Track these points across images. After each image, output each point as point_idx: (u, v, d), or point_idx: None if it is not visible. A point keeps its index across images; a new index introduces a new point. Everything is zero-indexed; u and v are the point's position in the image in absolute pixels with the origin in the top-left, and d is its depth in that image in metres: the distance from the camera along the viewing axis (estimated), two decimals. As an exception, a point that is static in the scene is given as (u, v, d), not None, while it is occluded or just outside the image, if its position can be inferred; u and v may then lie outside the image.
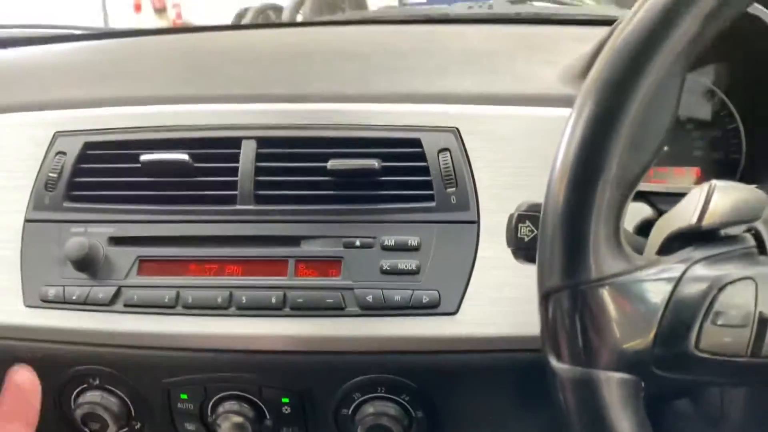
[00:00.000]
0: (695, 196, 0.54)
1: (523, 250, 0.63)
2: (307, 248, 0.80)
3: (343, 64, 0.95)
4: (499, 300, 0.75)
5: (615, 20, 1.33)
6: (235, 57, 1.01)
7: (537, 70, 0.89)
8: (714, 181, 0.53)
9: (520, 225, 0.63)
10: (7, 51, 1.23)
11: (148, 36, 1.36)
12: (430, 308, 0.75)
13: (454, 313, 0.75)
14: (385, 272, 0.77)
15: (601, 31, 1.13)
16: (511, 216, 0.64)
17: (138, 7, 9.65)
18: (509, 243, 0.64)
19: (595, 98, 0.51)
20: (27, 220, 0.84)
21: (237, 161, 0.82)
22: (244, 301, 0.77)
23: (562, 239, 0.51)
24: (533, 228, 0.63)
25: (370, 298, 0.76)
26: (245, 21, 2.26)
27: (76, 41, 1.38)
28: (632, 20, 0.50)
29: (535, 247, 0.62)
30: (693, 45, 0.50)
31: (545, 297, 0.52)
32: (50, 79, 0.99)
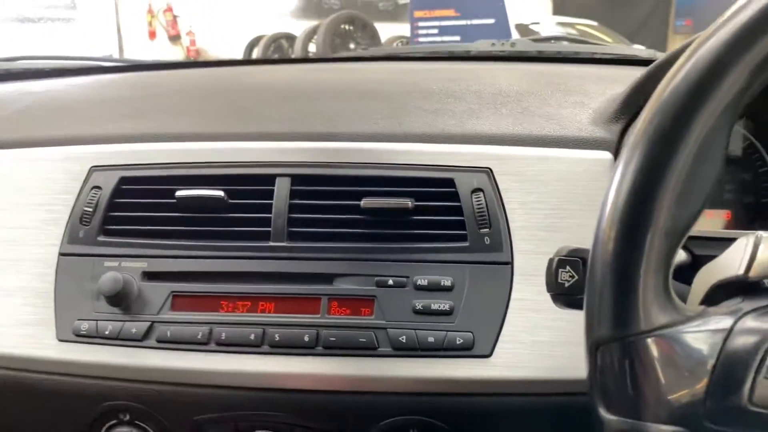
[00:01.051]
0: (741, 247, 0.54)
1: (564, 296, 0.63)
2: (340, 286, 0.80)
3: (373, 104, 0.96)
4: (534, 343, 0.75)
5: (640, 60, 1.35)
6: (268, 94, 1.03)
7: (568, 111, 0.90)
8: (760, 233, 0.53)
9: (560, 270, 0.63)
10: (37, 83, 1.26)
11: (175, 69, 1.39)
12: (463, 350, 0.75)
13: (488, 356, 0.75)
14: (418, 312, 0.77)
15: (628, 72, 1.15)
16: (551, 260, 0.64)
17: (152, 35, 9.82)
18: (549, 288, 0.64)
19: (644, 149, 0.51)
20: (62, 254, 0.85)
21: (271, 198, 0.83)
22: (277, 339, 0.77)
23: (612, 290, 0.50)
24: (573, 273, 0.63)
25: (403, 339, 0.76)
26: (258, 49, 2.31)
27: (104, 73, 1.41)
28: (680, 70, 0.50)
29: (576, 293, 0.62)
30: (741, 96, 0.50)
31: (594, 347, 0.52)
32: (84, 113, 1.01)
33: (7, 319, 0.84)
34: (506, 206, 0.80)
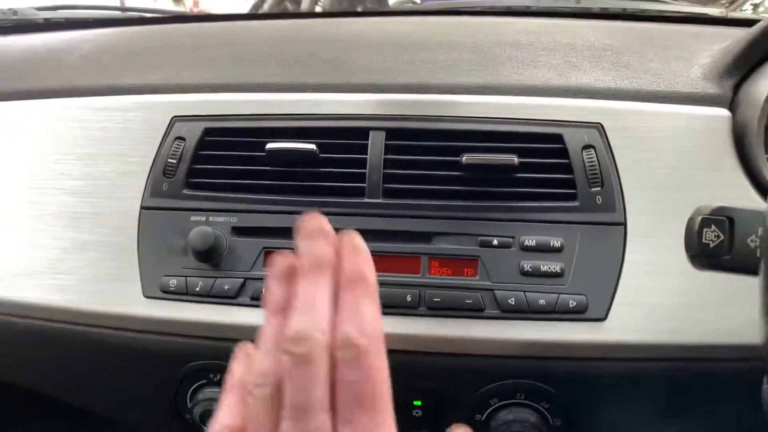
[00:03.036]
0: None
1: (707, 257, 0.59)
2: (440, 245, 0.76)
3: (464, 55, 0.91)
4: (651, 306, 0.72)
5: (712, 18, 1.29)
6: (344, 44, 0.97)
7: (674, 66, 0.85)
8: None
9: (705, 229, 0.59)
10: (87, 32, 1.20)
11: (221, 21, 1.33)
12: (577, 313, 0.72)
13: (602, 319, 0.72)
14: (525, 274, 0.74)
15: (714, 30, 1.10)
16: (692, 219, 0.60)
17: (155, -6, 9.66)
18: (690, 248, 0.60)
19: None
20: (144, 207, 0.81)
21: (365, 153, 0.79)
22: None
23: None
24: (719, 233, 0.59)
25: (512, 301, 0.73)
26: (265, 6, 2.23)
27: (150, 24, 1.35)
28: None
29: (722, 254, 0.59)
30: None
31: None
32: (155, 61, 0.96)
33: (86, 274, 0.80)
34: (618, 164, 0.76)
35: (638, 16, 1.37)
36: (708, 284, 0.69)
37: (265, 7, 2.24)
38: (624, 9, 1.43)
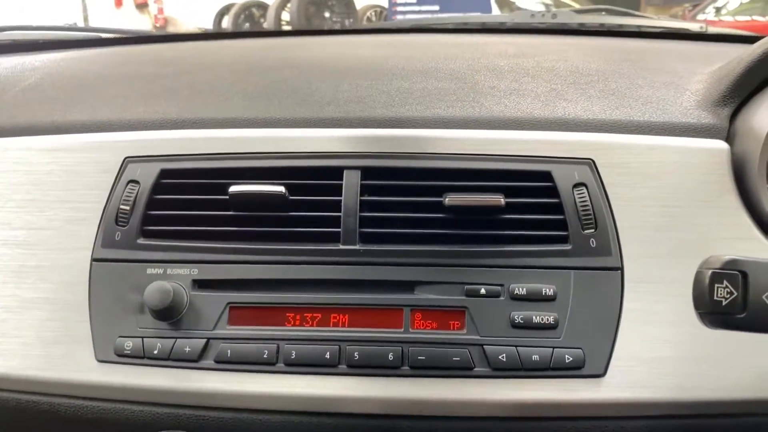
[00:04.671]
0: None
1: (720, 315, 0.54)
2: (424, 296, 0.70)
3: (442, 84, 0.85)
4: (653, 360, 0.66)
5: (692, 34, 1.25)
6: (314, 72, 0.91)
7: (665, 93, 0.81)
8: None
9: (716, 285, 0.54)
10: (35, 57, 1.12)
11: (184, 42, 1.26)
12: (573, 369, 0.66)
13: (601, 375, 0.66)
14: (517, 326, 0.68)
15: (698, 47, 1.06)
16: (700, 273, 0.55)
17: (119, 2, 9.42)
18: (699, 305, 0.55)
19: None
20: (95, 260, 0.73)
21: (339, 194, 0.72)
22: (356, 358, 0.67)
23: None
24: (732, 289, 0.54)
25: (503, 357, 0.67)
26: (228, 18, 2.17)
27: (106, 46, 1.27)
28: None
29: (736, 313, 0.53)
30: None
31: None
32: (107, 93, 0.88)
33: (30, 337, 0.72)
34: (612, 203, 0.70)
35: (616, 31, 1.34)
36: (714, 335, 0.64)
37: (226, 22, 2.16)
38: (602, 24, 1.39)
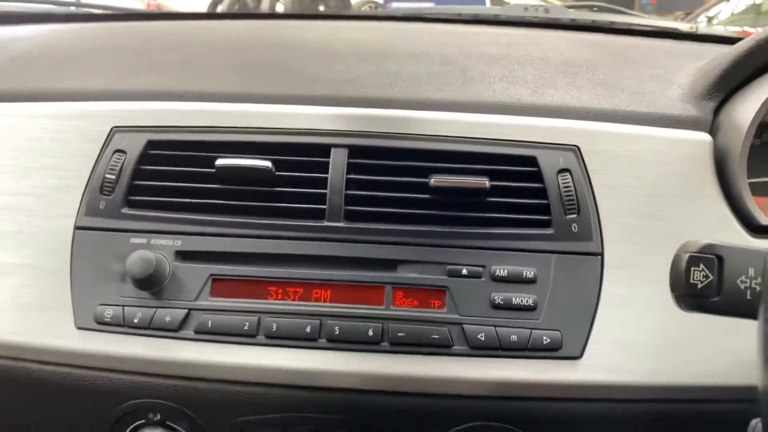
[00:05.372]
0: None
1: (695, 298, 0.55)
2: (406, 274, 0.70)
3: (433, 67, 0.85)
4: (629, 344, 0.67)
5: (681, 33, 1.27)
6: (305, 52, 0.91)
7: (652, 86, 0.82)
8: None
9: (692, 268, 0.54)
10: (25, 28, 1.11)
11: (177, 20, 1.25)
12: (550, 350, 0.67)
13: (577, 357, 0.67)
14: (497, 307, 0.68)
15: (687, 46, 1.07)
16: (677, 257, 0.56)
17: (111, -13, 9.35)
18: (676, 288, 0.56)
19: None
20: (78, 227, 0.73)
21: (326, 171, 0.72)
22: (336, 333, 0.68)
23: None
24: (708, 273, 0.55)
25: (482, 337, 0.67)
26: (222, 6, 2.16)
27: (97, 21, 1.26)
28: None
29: (711, 296, 0.54)
30: None
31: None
32: (97, 64, 0.87)
33: (8, 302, 0.72)
34: (595, 189, 0.71)
35: (607, 28, 1.34)
36: (690, 320, 0.64)
37: (224, 6, 2.15)
38: (593, 21, 1.40)
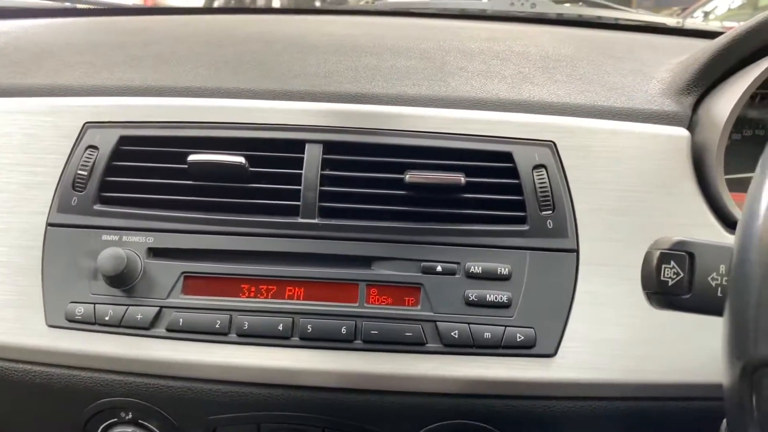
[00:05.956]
0: None
1: (666, 296, 0.54)
2: (380, 271, 0.70)
3: (410, 62, 0.85)
4: (603, 342, 0.67)
5: (669, 28, 1.26)
6: (281, 46, 0.90)
7: (631, 81, 0.81)
8: None
9: (663, 266, 0.54)
10: (4, 23, 1.10)
11: (159, 15, 1.24)
12: (524, 348, 0.66)
13: (551, 355, 0.66)
14: (471, 304, 0.68)
15: (671, 40, 1.06)
16: (649, 254, 0.55)
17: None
18: (647, 285, 0.55)
19: None
20: (50, 224, 0.72)
21: (300, 167, 0.72)
22: (309, 331, 0.67)
23: None
24: (679, 270, 0.54)
25: (455, 334, 0.67)
26: (219, 3, 2.14)
27: (78, 16, 1.25)
28: None
29: (680, 293, 0.54)
30: None
31: (749, 369, 0.43)
32: (71, 59, 0.86)
33: None
34: (571, 185, 0.71)
35: (594, 23, 1.34)
36: (664, 319, 0.64)
37: (219, 1, 2.14)
38: (580, 15, 1.39)
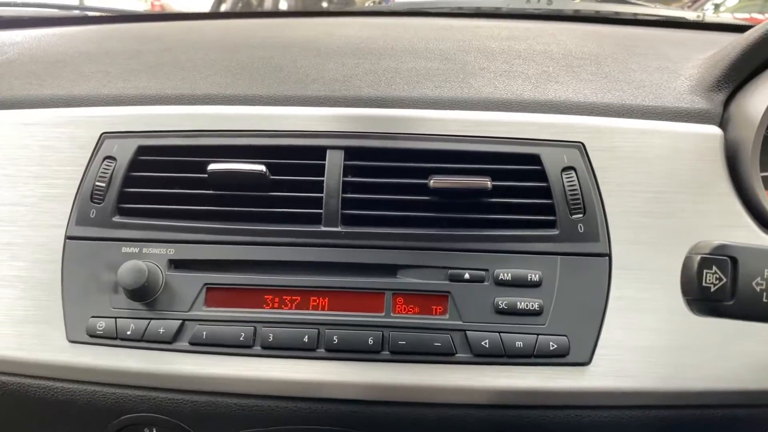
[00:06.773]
0: None
1: (708, 302, 0.52)
2: (406, 279, 0.68)
3: (430, 63, 0.83)
4: (639, 349, 0.65)
5: (690, 22, 1.23)
6: (298, 51, 0.88)
7: (658, 78, 0.79)
8: None
9: (705, 271, 0.52)
10: (17, 33, 1.09)
11: (172, 21, 1.23)
12: (557, 357, 0.64)
13: (586, 363, 0.64)
14: (501, 312, 0.66)
15: (695, 35, 1.04)
16: (689, 259, 0.53)
17: (115, -11, 9.35)
18: (687, 292, 0.53)
19: None
20: (69, 237, 0.71)
21: (322, 175, 0.70)
22: (335, 342, 0.66)
23: None
24: (722, 275, 0.52)
25: (486, 344, 0.65)
26: (225, 4, 2.14)
27: (91, 24, 1.24)
28: None
29: (724, 299, 0.52)
30: None
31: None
32: (86, 68, 0.85)
33: (1, 316, 0.70)
34: (601, 188, 0.69)
35: (612, 18, 1.31)
36: (701, 324, 0.62)
37: (227, 5, 2.13)
38: (597, 11, 1.37)
